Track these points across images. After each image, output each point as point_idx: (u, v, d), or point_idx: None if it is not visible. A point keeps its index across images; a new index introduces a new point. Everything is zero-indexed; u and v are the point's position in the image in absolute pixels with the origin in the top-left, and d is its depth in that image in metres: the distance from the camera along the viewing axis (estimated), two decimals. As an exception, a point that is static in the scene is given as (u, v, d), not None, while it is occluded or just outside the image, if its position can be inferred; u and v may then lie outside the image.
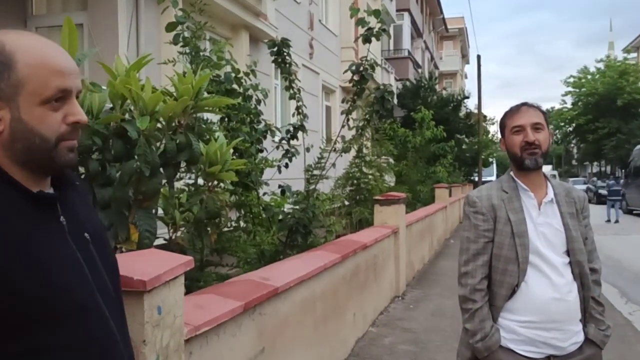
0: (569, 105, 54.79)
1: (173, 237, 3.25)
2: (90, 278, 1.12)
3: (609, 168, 56.51)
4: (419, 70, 30.96)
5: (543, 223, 2.11)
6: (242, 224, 5.23)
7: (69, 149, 1.11)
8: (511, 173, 2.22)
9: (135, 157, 2.56)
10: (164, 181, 2.77)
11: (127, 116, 2.65)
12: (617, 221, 20.32)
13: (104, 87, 2.64)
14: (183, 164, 2.99)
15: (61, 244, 1.10)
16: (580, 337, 2.12)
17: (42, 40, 1.11)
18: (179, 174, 3.25)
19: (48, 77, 1.07)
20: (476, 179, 27.42)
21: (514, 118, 2.15)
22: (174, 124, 2.77)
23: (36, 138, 1.06)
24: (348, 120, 6.27)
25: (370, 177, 9.99)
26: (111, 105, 2.64)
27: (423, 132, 16.74)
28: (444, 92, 29.67)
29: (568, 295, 2.07)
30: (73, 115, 1.10)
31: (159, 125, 2.74)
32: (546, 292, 2.05)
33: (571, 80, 53.22)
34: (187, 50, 4.68)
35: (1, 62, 1.05)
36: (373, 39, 5.74)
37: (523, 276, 2.07)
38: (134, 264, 2.01)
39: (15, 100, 1.06)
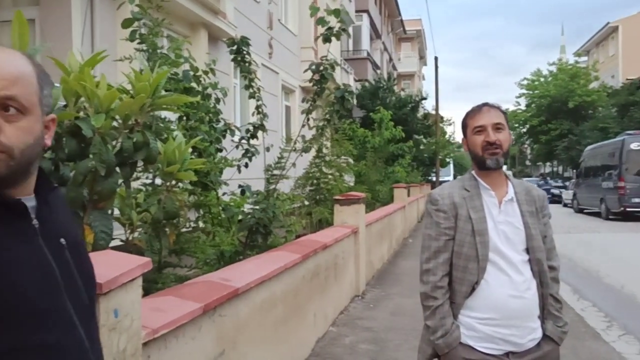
0: (522, 107, 56.18)
1: (130, 238, 3.17)
2: (60, 282, 1.11)
3: (560, 168, 58.28)
4: (378, 71, 31.24)
5: (503, 221, 2.14)
6: (201, 224, 5.15)
7: None
8: (473, 172, 2.25)
9: (90, 156, 2.48)
10: (120, 181, 2.69)
11: (81, 114, 2.57)
12: None
13: (56, 85, 2.55)
14: (140, 164, 2.91)
15: (29, 247, 1.09)
16: (538, 334, 2.16)
17: None
18: (135, 173, 3.17)
19: None
20: (434, 179, 27.85)
21: (475, 118, 2.18)
22: (130, 122, 2.70)
23: None
24: (308, 119, 6.26)
25: (330, 177, 10.00)
26: (64, 103, 2.56)
27: (382, 133, 16.91)
28: (402, 93, 30.01)
29: (526, 293, 2.11)
30: None
31: (114, 123, 2.66)
32: (505, 289, 2.08)
33: (525, 82, 54.61)
34: (144, 48, 4.58)
35: None
36: (333, 38, 5.74)
37: (483, 274, 2.09)
38: (88, 266, 1.94)
39: None
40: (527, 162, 78.49)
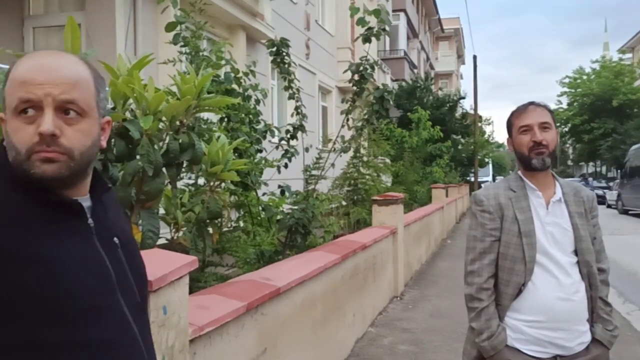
0: (564, 106, 54.89)
1: (175, 237, 3.23)
2: (114, 280, 1.15)
3: (604, 168, 56.72)
4: (415, 71, 30.99)
5: (551, 222, 2.10)
6: (241, 224, 5.22)
7: (41, 160, 1.08)
8: (519, 172, 2.21)
9: (138, 157, 2.55)
10: (166, 181, 2.75)
11: (128, 115, 2.64)
12: None
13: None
14: (185, 164, 2.97)
15: (86, 246, 1.13)
16: (587, 337, 2.11)
17: (35, 57, 1.14)
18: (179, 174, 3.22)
19: (14, 89, 1.09)
20: (472, 179, 27.46)
21: (521, 118, 2.15)
22: (176, 124, 2.76)
23: (13, 150, 1.09)
24: (348, 120, 6.26)
25: (367, 177, 9.99)
26: (113, 105, 2.63)
27: (420, 133, 16.77)
28: (439, 92, 29.71)
29: (575, 295, 2.07)
30: (38, 126, 1.08)
31: (160, 125, 2.72)
32: (553, 291, 2.05)
33: (567, 80, 53.36)
34: (187, 50, 4.66)
35: (3, 80, 1.15)
36: (372, 38, 5.73)
37: (530, 275, 2.06)
38: (138, 264, 1.99)
39: (6, 114, 1.12)
40: (569, 162, 76.63)
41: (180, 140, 2.73)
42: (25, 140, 1.08)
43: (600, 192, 33.31)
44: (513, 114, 2.20)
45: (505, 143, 2.30)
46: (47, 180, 1.09)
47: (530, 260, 2.06)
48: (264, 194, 5.61)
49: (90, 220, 1.16)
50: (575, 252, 2.10)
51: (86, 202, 1.19)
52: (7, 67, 2.55)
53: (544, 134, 2.10)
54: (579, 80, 52.11)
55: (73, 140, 1.11)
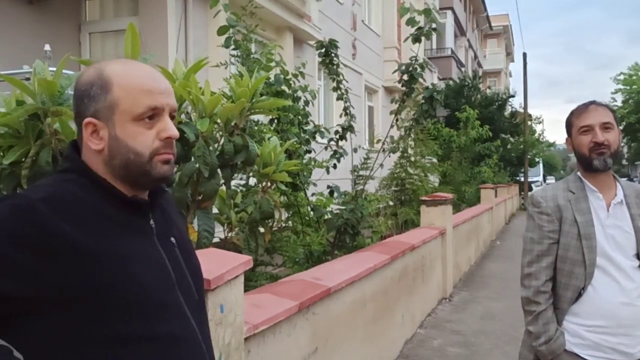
0: (619, 104, 53.03)
1: (228, 237, 3.30)
2: (174, 279, 1.20)
3: (661, 168, 54.51)
4: (463, 69, 30.53)
5: (612, 225, 2.05)
6: (290, 224, 5.26)
7: (163, 161, 1.19)
8: (578, 173, 2.16)
9: (193, 158, 2.61)
10: (221, 182, 2.81)
11: (183, 117, 2.70)
12: None
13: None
14: (238, 165, 3.02)
15: (149, 246, 1.18)
16: (651, 343, 2.05)
17: (136, 65, 1.23)
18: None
19: (138, 97, 1.16)
20: (522, 179, 26.85)
21: (581, 117, 2.09)
22: (230, 126, 2.81)
23: (130, 153, 1.16)
24: (397, 120, 6.23)
25: (415, 177, 9.91)
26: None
27: (468, 132, 16.50)
28: (488, 91, 29.14)
29: (637, 300, 2.01)
30: (165, 131, 1.18)
31: (215, 127, 2.78)
32: (614, 296, 2.00)
33: (621, 77, 51.55)
34: (238, 53, 4.74)
35: (100, 86, 1.17)
36: (422, 38, 5.69)
37: (590, 279, 2.01)
38: (196, 263, 2.05)
39: (112, 120, 1.16)
40: (624, 162, 74.01)
41: (234, 142, 2.78)
42: (149, 143, 1.17)
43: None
44: (573, 114, 2.15)
45: (565, 143, 2.24)
46: (163, 179, 1.21)
47: (590, 263, 2.01)
48: (312, 194, 5.65)
49: (151, 221, 1.22)
50: (638, 256, 2.03)
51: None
52: (72, 73, 2.65)
53: (605, 134, 2.04)
54: (634, 77, 50.25)
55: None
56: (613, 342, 2.01)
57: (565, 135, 2.21)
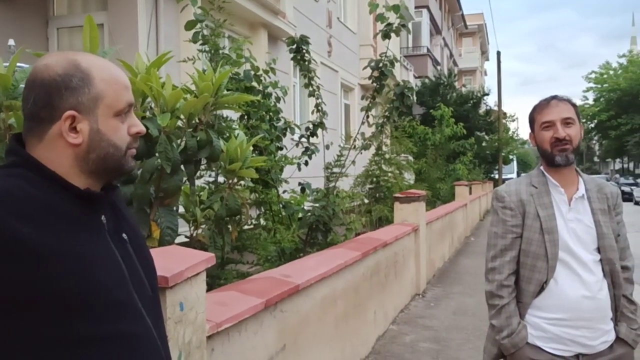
0: (590, 102, 54.04)
1: (194, 235, 3.25)
2: (127, 276, 1.17)
3: (631, 165, 55.65)
4: (438, 68, 30.74)
5: (573, 219, 2.05)
6: (262, 221, 5.22)
7: (132, 156, 1.22)
8: (541, 168, 2.16)
9: (156, 154, 2.56)
10: (184, 178, 2.76)
11: (147, 113, 2.65)
12: None
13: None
14: (203, 162, 2.98)
15: (101, 242, 1.15)
16: (611, 336, 2.06)
17: (104, 59, 1.22)
18: (199, 171, 3.24)
19: (120, 92, 1.18)
20: (496, 176, 27.17)
21: (543, 113, 2.09)
22: (194, 121, 2.76)
23: (110, 147, 1.16)
24: (368, 117, 6.22)
25: (389, 174, 9.94)
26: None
27: (442, 130, 16.62)
28: (463, 89, 29.40)
29: (599, 293, 2.02)
30: (135, 127, 1.21)
31: (179, 122, 2.73)
32: (576, 289, 2.00)
33: (593, 76, 52.50)
34: (207, 48, 4.67)
35: (80, 78, 1.13)
36: (392, 35, 5.69)
37: (552, 273, 2.02)
38: (155, 261, 2.00)
39: (94, 113, 1.15)
40: (596, 159, 75.37)
41: (198, 138, 2.74)
42: (125, 138, 1.19)
43: (627, 188, 32.70)
44: (535, 109, 2.15)
45: (528, 138, 2.24)
46: (128, 173, 1.24)
47: (552, 257, 2.02)
48: (284, 191, 5.61)
49: (103, 217, 1.19)
50: (598, 250, 2.05)
51: None
52: (27, 66, 2.58)
53: (567, 129, 2.04)
54: (605, 76, 51.23)
55: None
56: (575, 335, 2.02)
57: (529, 131, 2.22)
